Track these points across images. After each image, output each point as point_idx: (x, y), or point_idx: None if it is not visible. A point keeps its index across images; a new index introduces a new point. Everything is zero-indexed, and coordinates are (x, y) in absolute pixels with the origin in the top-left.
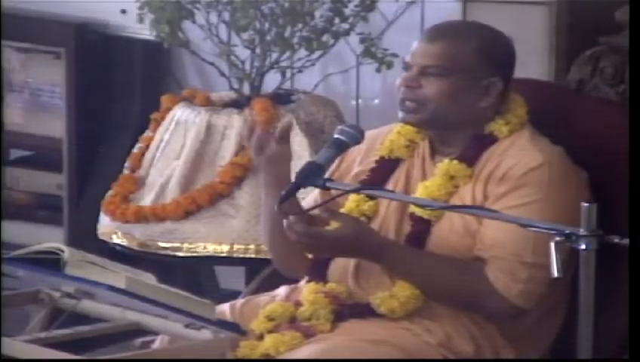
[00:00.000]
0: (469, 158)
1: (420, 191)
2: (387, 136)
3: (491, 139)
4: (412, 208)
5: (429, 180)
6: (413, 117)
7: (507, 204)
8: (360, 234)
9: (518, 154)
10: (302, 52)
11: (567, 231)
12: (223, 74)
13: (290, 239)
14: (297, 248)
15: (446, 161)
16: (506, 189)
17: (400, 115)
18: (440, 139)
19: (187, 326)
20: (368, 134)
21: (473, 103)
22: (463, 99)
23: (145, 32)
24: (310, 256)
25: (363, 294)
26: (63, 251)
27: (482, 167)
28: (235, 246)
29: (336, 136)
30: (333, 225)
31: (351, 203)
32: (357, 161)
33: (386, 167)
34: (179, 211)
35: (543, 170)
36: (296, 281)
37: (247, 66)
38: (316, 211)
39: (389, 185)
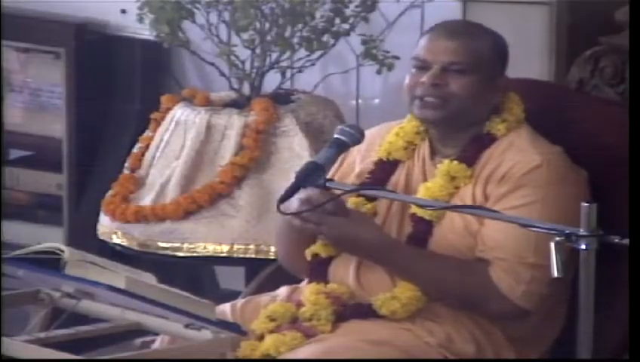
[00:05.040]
0: (469, 159)
1: (422, 193)
2: (385, 137)
3: (490, 139)
4: (413, 209)
5: (431, 181)
6: (436, 113)
7: (508, 205)
8: (364, 226)
9: (518, 154)
10: (302, 52)
11: (567, 231)
12: (223, 74)
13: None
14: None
15: (446, 161)
16: (506, 190)
17: (418, 111)
18: (441, 139)
19: (187, 326)
20: (367, 133)
21: (488, 100)
22: (481, 95)
23: (145, 32)
24: (309, 258)
25: (364, 294)
26: (63, 251)
27: (482, 167)
28: (235, 247)
29: (336, 136)
30: None
31: (349, 205)
32: (357, 161)
33: (384, 170)
34: (179, 211)
35: (542, 170)
36: (298, 281)
37: (247, 66)
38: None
39: (389, 187)
